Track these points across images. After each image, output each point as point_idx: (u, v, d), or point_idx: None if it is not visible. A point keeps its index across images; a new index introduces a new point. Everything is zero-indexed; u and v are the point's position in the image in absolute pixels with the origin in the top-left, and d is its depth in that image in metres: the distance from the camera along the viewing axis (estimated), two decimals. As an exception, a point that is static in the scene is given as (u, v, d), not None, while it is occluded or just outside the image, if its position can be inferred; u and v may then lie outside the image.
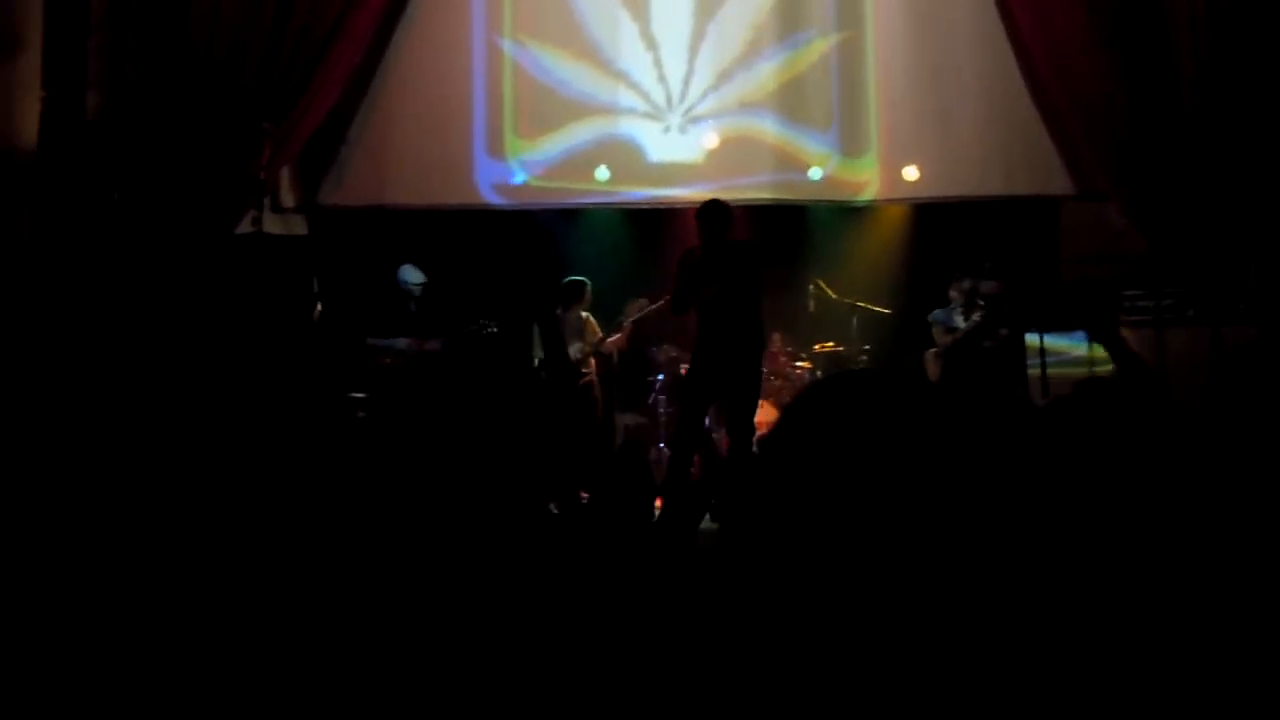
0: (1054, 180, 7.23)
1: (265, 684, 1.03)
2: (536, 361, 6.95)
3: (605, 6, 7.46)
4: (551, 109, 7.46)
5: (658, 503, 5.29)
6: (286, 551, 1.30)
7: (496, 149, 7.47)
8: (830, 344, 7.73)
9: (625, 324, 7.05)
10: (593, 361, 7.19)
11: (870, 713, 0.80)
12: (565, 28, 7.45)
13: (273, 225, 6.58)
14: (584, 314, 7.16)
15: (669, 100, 7.50)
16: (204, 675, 1.07)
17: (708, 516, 4.70)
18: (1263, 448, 1.46)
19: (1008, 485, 0.83)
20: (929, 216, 7.74)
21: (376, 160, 7.34)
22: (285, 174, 7.06)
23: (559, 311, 7.19)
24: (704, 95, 7.48)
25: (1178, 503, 1.02)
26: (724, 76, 7.46)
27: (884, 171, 7.42)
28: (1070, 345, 5.96)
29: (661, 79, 7.50)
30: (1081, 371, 5.79)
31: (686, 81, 7.49)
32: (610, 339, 7.12)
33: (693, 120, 7.48)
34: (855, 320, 7.52)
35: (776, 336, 7.93)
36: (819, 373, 7.74)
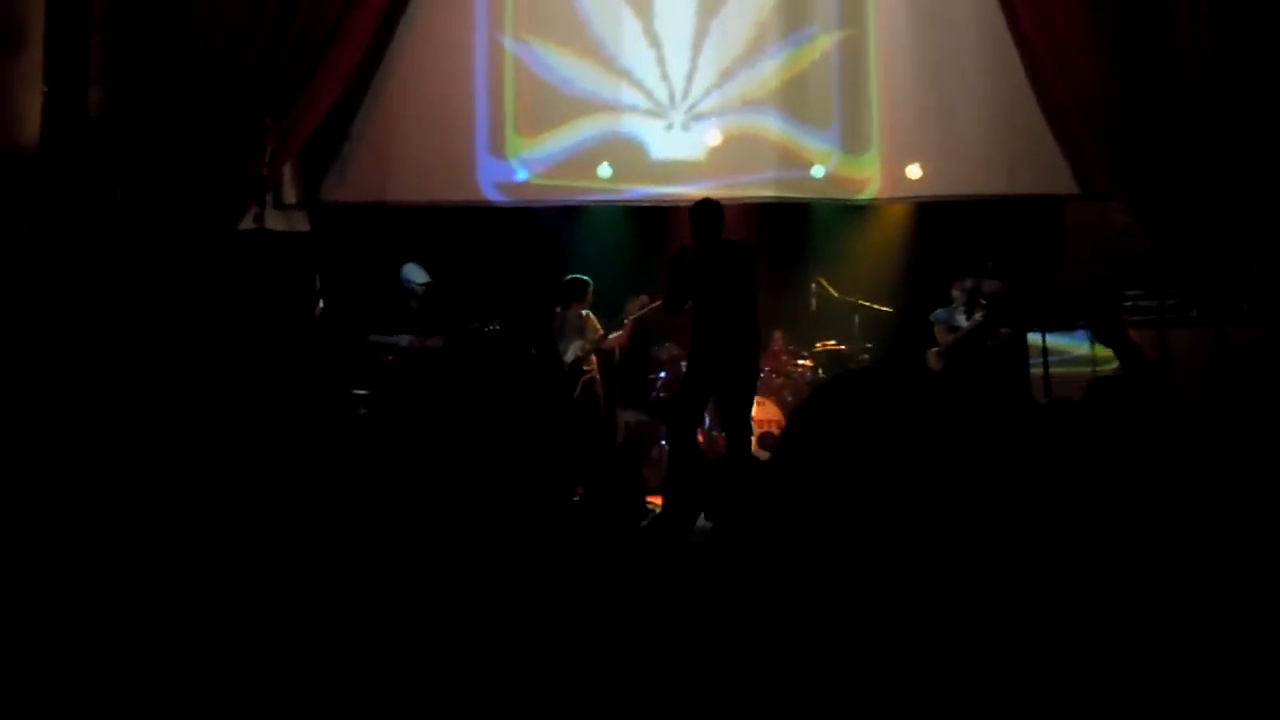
0: (1057, 179, 7.22)
1: (268, 670, 1.03)
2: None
3: (608, 4, 7.46)
4: (554, 106, 7.46)
5: (656, 500, 5.30)
6: (290, 543, 1.30)
7: (498, 146, 7.47)
8: (832, 342, 7.73)
9: (626, 322, 7.05)
10: (594, 359, 7.19)
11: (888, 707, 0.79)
12: (568, 25, 7.45)
13: (275, 222, 6.58)
14: (584, 312, 7.16)
15: (671, 98, 7.50)
16: (207, 665, 1.07)
17: (702, 515, 4.71)
18: (1266, 446, 1.46)
19: (1028, 481, 0.83)
20: (931, 215, 7.73)
21: (379, 157, 7.34)
22: (287, 170, 7.06)
23: (557, 309, 7.19)
24: (707, 93, 7.48)
25: (1186, 499, 1.02)
26: (726, 74, 7.46)
27: (886, 169, 7.42)
28: (1072, 344, 5.96)
29: (664, 76, 7.50)
30: (1084, 370, 5.79)
31: (689, 79, 7.49)
32: (612, 336, 7.12)
33: (695, 118, 7.48)
34: (857, 319, 7.52)
35: (778, 335, 7.93)
36: (820, 371, 7.74)
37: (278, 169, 6.57)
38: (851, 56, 7.42)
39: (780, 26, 7.43)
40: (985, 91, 7.26)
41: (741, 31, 7.44)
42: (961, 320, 6.63)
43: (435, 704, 0.96)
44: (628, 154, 7.47)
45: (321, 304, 5.65)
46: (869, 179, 7.46)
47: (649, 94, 7.50)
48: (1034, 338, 5.95)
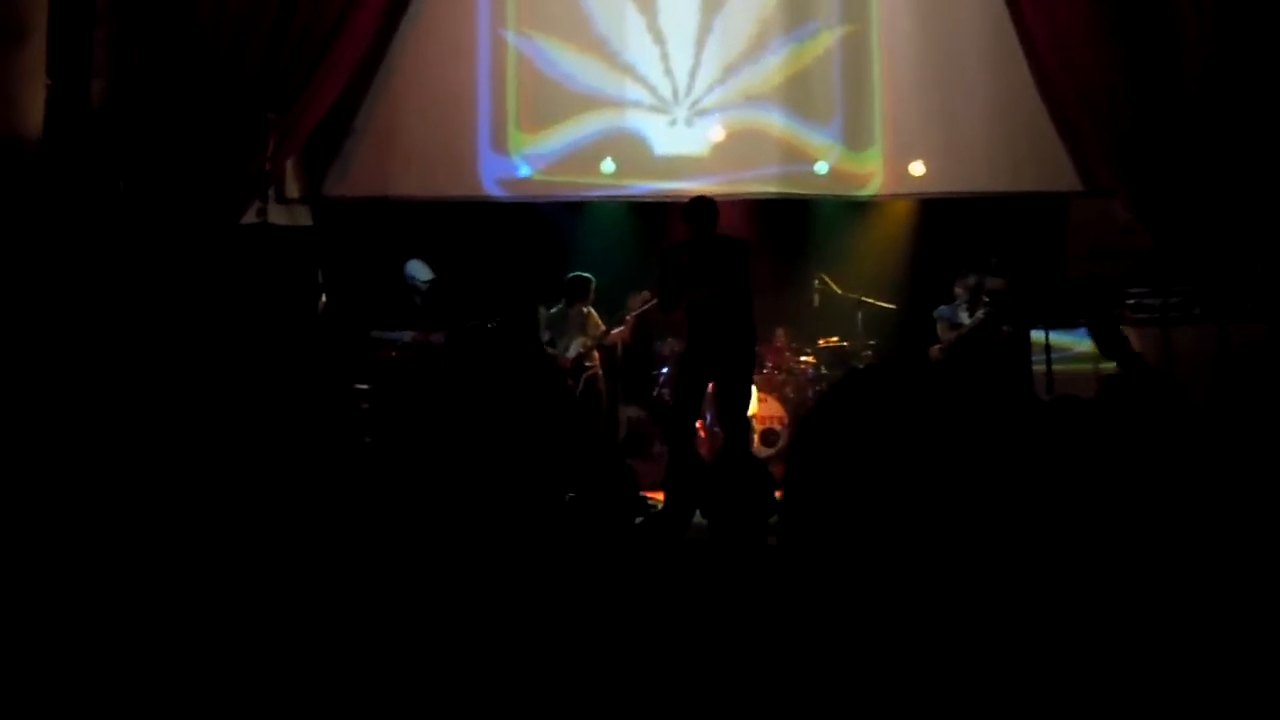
0: (1061, 176, 7.21)
1: (265, 662, 1.03)
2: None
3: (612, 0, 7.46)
4: (557, 102, 7.45)
5: (658, 497, 5.30)
6: (290, 536, 1.30)
7: (501, 142, 7.47)
8: (835, 339, 7.73)
9: (629, 318, 7.05)
10: (597, 355, 7.19)
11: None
12: (571, 20, 7.44)
13: (278, 216, 6.57)
14: (587, 309, 7.16)
15: (675, 93, 7.49)
16: (210, 660, 1.07)
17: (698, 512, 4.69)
18: (1269, 444, 1.46)
19: (1046, 477, 0.82)
20: (934, 212, 7.72)
21: (381, 152, 7.34)
22: (290, 165, 7.05)
23: (541, 308, 7.19)
24: (710, 88, 7.47)
25: (1195, 495, 1.01)
26: (730, 70, 7.45)
27: (889, 165, 7.41)
28: (1075, 341, 5.95)
29: (668, 72, 7.49)
30: (1087, 368, 5.78)
31: (692, 75, 7.48)
32: (614, 333, 7.12)
33: (699, 113, 7.47)
34: (860, 315, 7.52)
35: (780, 331, 7.93)
36: (823, 368, 7.74)
37: (280, 163, 6.56)
38: (854, 52, 7.41)
39: (783, 22, 7.42)
40: (988, 88, 7.24)
41: (745, 27, 7.43)
42: (964, 317, 6.62)
43: (432, 696, 0.96)
44: (631, 150, 7.46)
45: (324, 299, 5.65)
46: (872, 174, 7.45)
47: (652, 89, 7.50)
48: (1037, 335, 5.94)
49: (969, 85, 7.27)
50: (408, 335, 6.51)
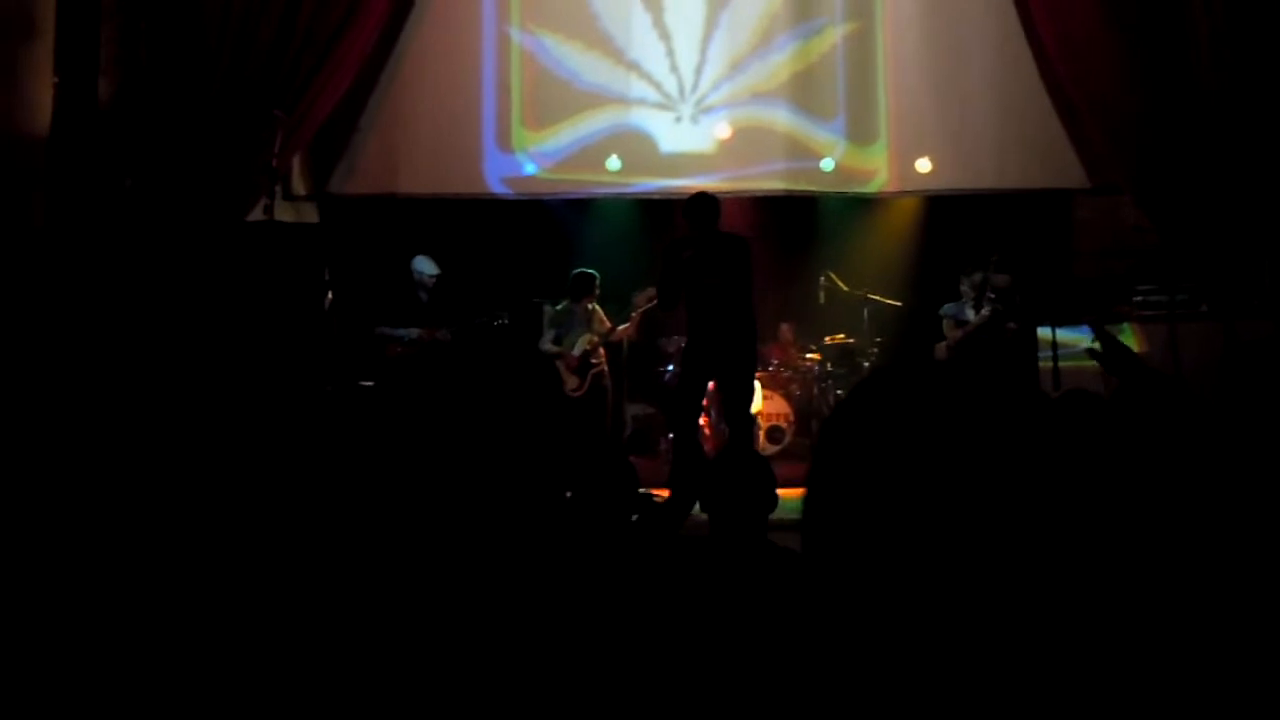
0: (1067, 173, 7.19)
1: (265, 657, 1.03)
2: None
3: (618, -4, 7.46)
4: (563, 99, 7.45)
5: (663, 493, 5.30)
6: (294, 535, 1.30)
7: (506, 140, 7.47)
8: (841, 336, 7.72)
9: (634, 314, 7.04)
10: (602, 352, 7.19)
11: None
12: (577, 17, 7.44)
13: (284, 213, 6.58)
14: (592, 305, 7.16)
15: (681, 90, 7.49)
16: (212, 655, 1.08)
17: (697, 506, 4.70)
18: (1276, 442, 1.45)
19: (1078, 474, 0.82)
20: (941, 208, 7.71)
21: (388, 149, 7.35)
22: (297, 162, 7.07)
23: (546, 306, 7.19)
24: (716, 85, 7.46)
25: (1209, 494, 1.01)
26: (736, 66, 7.43)
27: (895, 161, 7.39)
28: (1081, 338, 5.93)
29: (674, 69, 7.48)
30: (1093, 365, 5.75)
31: (698, 71, 7.47)
32: (620, 329, 7.12)
33: (705, 110, 7.47)
34: (866, 312, 7.51)
35: (786, 328, 7.93)
36: (829, 365, 7.73)
37: (287, 160, 6.57)
38: (860, 48, 7.40)
39: (789, 18, 7.41)
40: (994, 83, 7.22)
41: (751, 23, 7.42)
42: (970, 314, 6.61)
43: (430, 691, 0.96)
44: (637, 147, 7.46)
45: (330, 295, 5.66)
46: (876, 170, 7.44)
47: (658, 86, 7.49)
48: (1043, 332, 5.92)
49: (975, 81, 7.25)
50: (414, 332, 6.52)
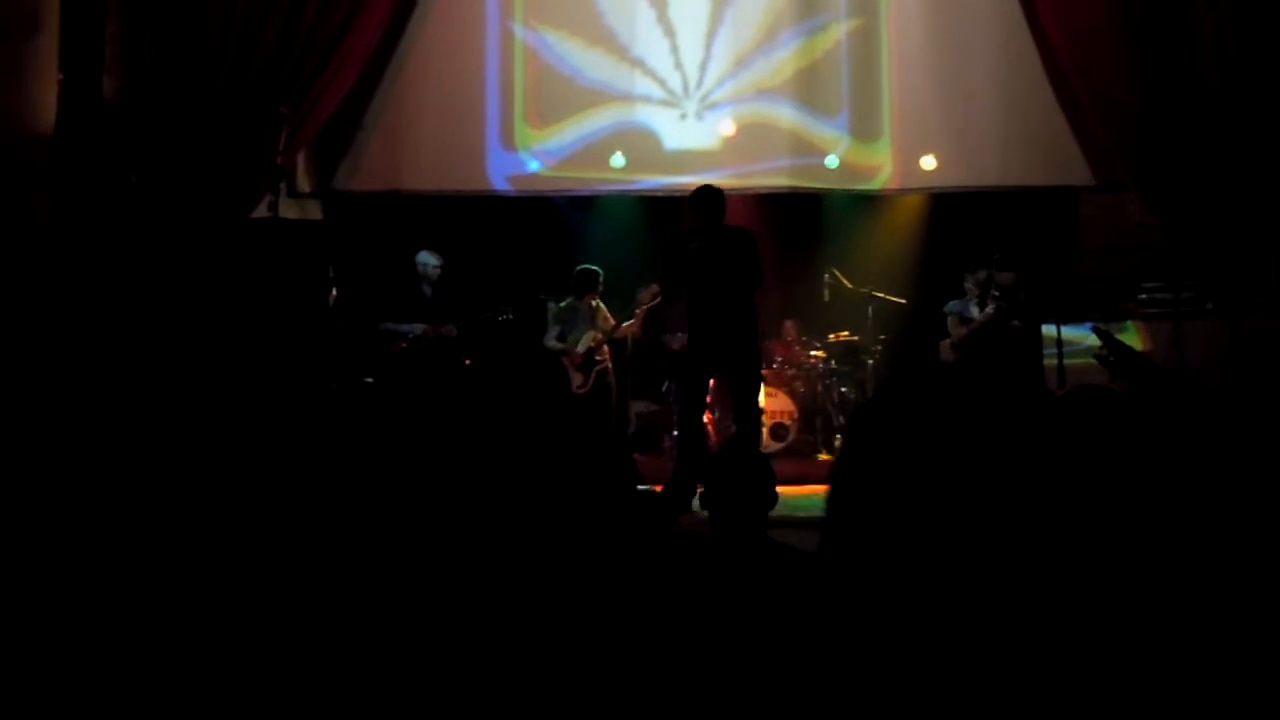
0: (1073, 171, 7.18)
1: (265, 653, 1.03)
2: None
3: (622, -7, 7.45)
4: (567, 96, 7.44)
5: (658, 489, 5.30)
6: (297, 534, 1.30)
7: (510, 138, 7.47)
8: (845, 333, 7.71)
9: (638, 311, 7.04)
10: (606, 349, 7.19)
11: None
12: (581, 14, 7.43)
13: (289, 210, 6.59)
14: (596, 302, 7.16)
15: (685, 87, 7.48)
16: (213, 655, 1.08)
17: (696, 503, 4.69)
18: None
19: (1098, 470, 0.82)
20: (946, 206, 7.70)
21: (392, 146, 7.35)
22: (301, 159, 7.07)
23: (550, 303, 7.18)
24: (720, 82, 7.45)
25: (1216, 491, 1.01)
26: (741, 63, 7.42)
27: (899, 158, 7.38)
28: (1085, 335, 5.92)
29: (678, 65, 7.47)
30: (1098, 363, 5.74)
31: (703, 68, 7.46)
32: (624, 326, 7.11)
33: (709, 107, 7.46)
34: (870, 310, 7.49)
35: (791, 325, 7.91)
36: (834, 362, 7.72)
37: (291, 157, 6.58)
38: (864, 45, 7.39)
39: (794, 14, 7.40)
40: (999, 80, 7.21)
41: (755, 20, 7.41)
42: (975, 312, 6.61)
43: (428, 688, 0.96)
44: (641, 144, 7.45)
45: (335, 292, 5.67)
46: (880, 167, 7.43)
47: (662, 83, 7.48)
48: (1048, 329, 5.92)
49: (979, 78, 7.24)
50: (418, 328, 6.52)
